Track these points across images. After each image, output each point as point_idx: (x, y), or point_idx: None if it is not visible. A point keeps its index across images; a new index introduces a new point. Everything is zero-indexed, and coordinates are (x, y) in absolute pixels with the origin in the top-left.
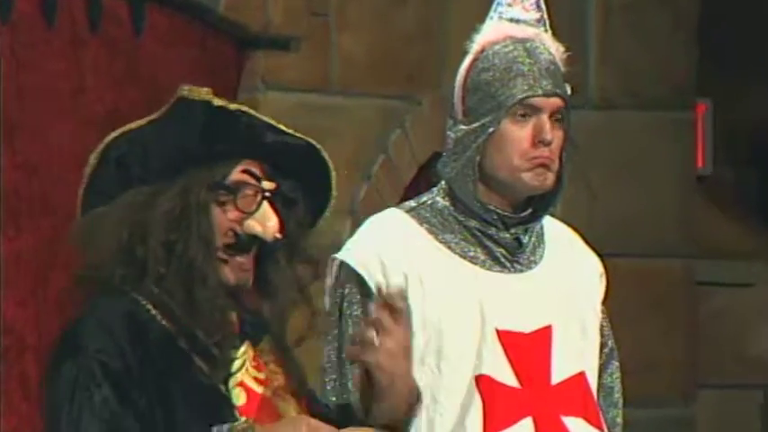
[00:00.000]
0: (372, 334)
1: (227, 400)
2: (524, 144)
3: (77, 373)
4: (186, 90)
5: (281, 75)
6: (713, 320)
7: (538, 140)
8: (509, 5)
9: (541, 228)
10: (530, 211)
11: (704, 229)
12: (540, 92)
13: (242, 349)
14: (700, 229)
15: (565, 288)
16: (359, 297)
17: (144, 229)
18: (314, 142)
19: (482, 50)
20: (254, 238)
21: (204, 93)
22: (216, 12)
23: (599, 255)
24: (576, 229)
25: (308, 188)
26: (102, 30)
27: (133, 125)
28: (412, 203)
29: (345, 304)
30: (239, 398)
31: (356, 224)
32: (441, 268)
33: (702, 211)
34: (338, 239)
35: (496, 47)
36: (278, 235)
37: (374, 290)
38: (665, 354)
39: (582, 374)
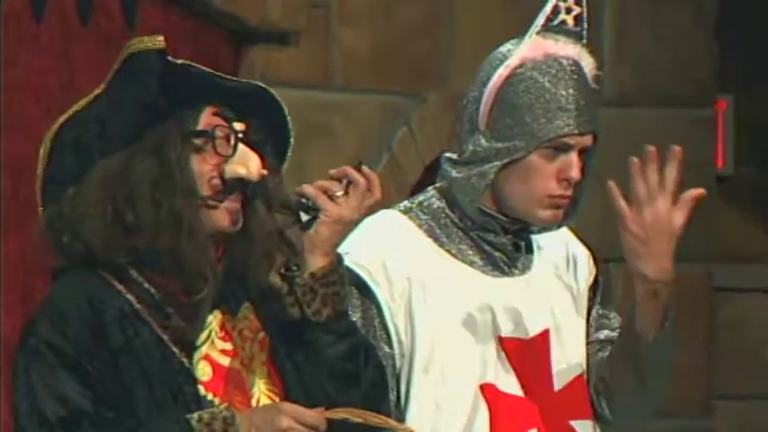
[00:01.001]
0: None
1: (191, 377)
2: (550, 180)
3: (30, 356)
4: (135, 43)
5: (280, 70)
6: (733, 328)
7: (563, 178)
8: (555, 14)
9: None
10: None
11: (724, 233)
12: (577, 131)
13: (209, 318)
14: (719, 232)
15: (559, 287)
16: (359, 302)
17: (128, 195)
18: (263, 84)
19: (520, 65)
20: (240, 180)
21: (152, 41)
22: (211, 5)
23: (613, 259)
24: (590, 232)
25: (267, 131)
26: (94, 24)
27: (78, 106)
28: (407, 204)
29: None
30: (204, 373)
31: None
32: (443, 273)
33: (722, 213)
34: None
35: (537, 67)
36: (264, 172)
37: (377, 293)
38: (683, 363)
39: (581, 377)
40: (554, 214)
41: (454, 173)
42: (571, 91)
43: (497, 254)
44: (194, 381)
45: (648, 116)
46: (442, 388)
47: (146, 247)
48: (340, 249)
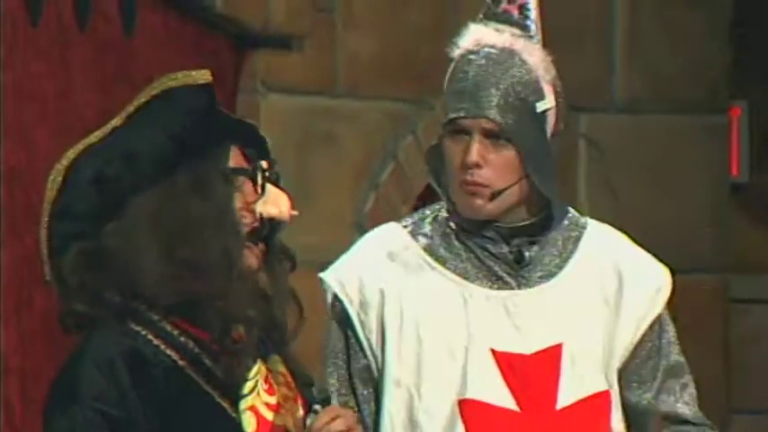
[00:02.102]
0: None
1: (237, 429)
2: (455, 165)
3: (74, 425)
4: (177, 77)
5: (283, 76)
6: (749, 340)
7: (462, 162)
8: (496, 2)
9: (575, 238)
10: (531, 220)
11: (739, 242)
12: (463, 113)
13: (254, 369)
14: (734, 241)
15: (591, 303)
16: (336, 317)
17: (181, 233)
18: (251, 122)
19: (459, 55)
20: (271, 220)
21: (201, 76)
22: (213, 8)
23: None
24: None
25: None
26: (91, 28)
27: (93, 137)
28: (414, 216)
29: (332, 334)
30: (249, 424)
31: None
32: (426, 286)
33: (737, 221)
34: (343, 252)
35: (464, 57)
36: (294, 213)
37: (348, 308)
38: (697, 376)
39: (604, 394)
40: (468, 203)
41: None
42: (475, 76)
43: (500, 265)
44: None
45: (661, 123)
46: (417, 403)
47: (194, 288)
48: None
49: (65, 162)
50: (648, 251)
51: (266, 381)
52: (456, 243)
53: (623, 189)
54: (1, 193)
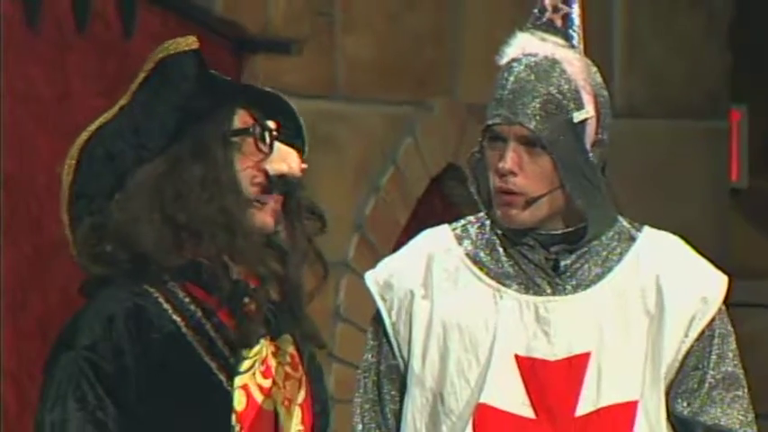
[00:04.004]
0: None
1: (227, 402)
2: (492, 172)
3: (68, 370)
4: (169, 45)
5: (282, 79)
6: (750, 346)
7: (497, 168)
8: (541, 13)
9: (622, 250)
10: (569, 229)
11: (739, 247)
12: (499, 120)
13: (256, 348)
14: (734, 246)
15: (629, 314)
16: (373, 320)
17: (177, 196)
18: (278, 92)
19: (506, 63)
20: (281, 177)
21: (186, 42)
22: (212, 12)
23: None
24: None
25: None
26: (90, 31)
27: (102, 119)
28: (467, 218)
29: (371, 327)
30: (239, 402)
31: (363, 239)
32: (460, 289)
33: (737, 227)
34: (343, 255)
35: (509, 65)
36: (304, 166)
37: (381, 309)
38: None
39: (629, 405)
40: (503, 212)
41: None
42: (512, 82)
43: (537, 272)
44: (230, 409)
45: (661, 128)
46: (440, 406)
47: (196, 251)
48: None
49: (80, 142)
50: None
51: (264, 362)
52: (498, 249)
53: (623, 193)
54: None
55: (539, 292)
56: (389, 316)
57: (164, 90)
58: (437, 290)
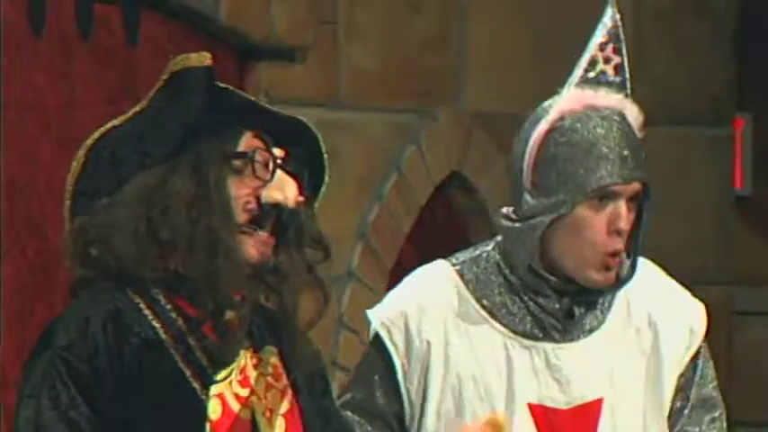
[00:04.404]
0: None
1: (201, 410)
2: (599, 233)
3: (43, 368)
4: (181, 59)
5: (286, 88)
6: (753, 352)
7: (613, 229)
8: (592, 65)
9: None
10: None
11: (744, 254)
12: (621, 180)
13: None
14: (739, 254)
15: (629, 356)
16: (379, 361)
17: (164, 210)
18: (302, 118)
19: (560, 119)
20: (276, 206)
21: (199, 58)
22: (216, 20)
23: None
24: None
25: (303, 163)
26: (94, 39)
27: (116, 121)
28: (466, 255)
29: (367, 366)
30: (214, 411)
31: (367, 248)
32: (472, 335)
33: (741, 234)
34: (347, 264)
35: (577, 118)
36: (300, 199)
37: (392, 355)
38: None
39: None
40: (606, 277)
41: (506, 228)
42: (613, 139)
43: (548, 319)
44: (205, 417)
45: (665, 135)
46: None
47: (180, 266)
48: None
49: (89, 142)
50: (652, 262)
51: (242, 371)
52: (505, 290)
53: None
54: (2, 204)
55: (548, 338)
56: (402, 365)
57: (173, 102)
58: (452, 340)
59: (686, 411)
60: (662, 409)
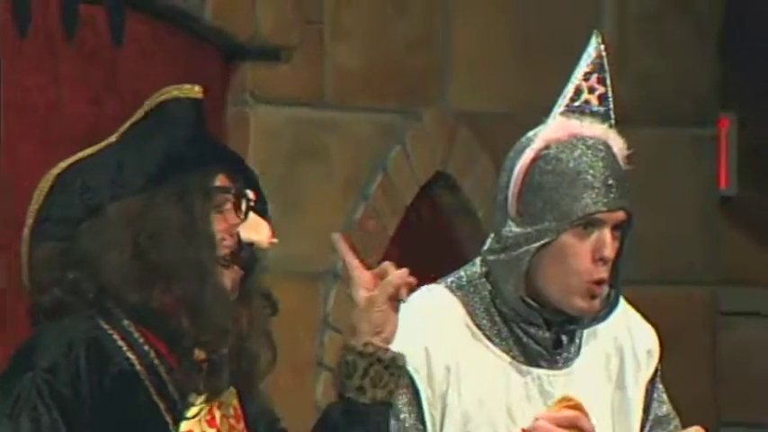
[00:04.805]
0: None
1: None
2: (584, 261)
3: (24, 389)
4: (171, 90)
5: (271, 87)
6: (738, 354)
7: (598, 257)
8: (577, 94)
9: None
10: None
11: (729, 255)
12: (606, 207)
13: (202, 397)
14: (723, 254)
15: (603, 381)
16: (407, 398)
17: (153, 234)
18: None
19: (546, 148)
20: (249, 246)
21: (191, 91)
22: (201, 20)
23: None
24: None
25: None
26: (79, 39)
27: (88, 151)
28: (458, 279)
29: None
30: None
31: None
32: (477, 360)
33: (727, 234)
34: (333, 264)
35: (562, 147)
36: (274, 241)
37: (417, 382)
38: (686, 389)
39: None
40: (591, 305)
41: (492, 259)
42: (598, 168)
43: (537, 348)
44: None
45: (649, 135)
46: None
47: (162, 294)
48: None
49: (54, 171)
50: (636, 264)
51: (210, 411)
52: (496, 317)
53: None
54: None
55: (537, 367)
56: (426, 392)
57: (157, 132)
58: (462, 365)
59: (647, 430)
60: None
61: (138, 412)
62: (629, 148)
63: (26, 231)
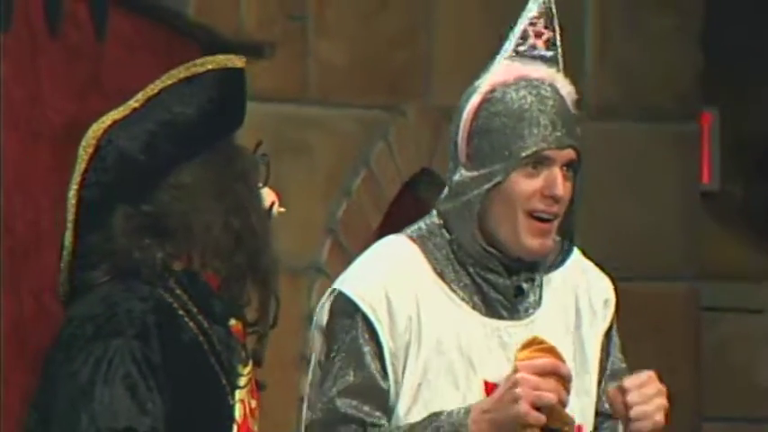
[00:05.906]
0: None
1: (231, 413)
2: (533, 198)
3: (117, 355)
4: (214, 59)
5: (255, 83)
6: (719, 349)
7: (548, 194)
8: (524, 39)
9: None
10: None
11: (710, 250)
12: (554, 144)
13: (248, 368)
14: (705, 249)
15: (563, 331)
16: (367, 341)
17: (236, 206)
18: None
19: (492, 91)
20: (268, 211)
21: (240, 60)
22: (184, 15)
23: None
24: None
25: None
26: (62, 34)
27: (116, 114)
28: (418, 230)
29: (347, 337)
30: (240, 414)
31: (335, 243)
32: (437, 309)
33: (708, 230)
34: (316, 259)
35: (508, 89)
36: (281, 209)
37: (379, 333)
38: (668, 384)
39: (579, 428)
40: (541, 244)
41: (445, 208)
42: (544, 107)
43: (497, 296)
44: (233, 420)
45: (632, 130)
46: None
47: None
48: (342, 277)
49: (92, 135)
50: (618, 260)
51: (251, 382)
52: (458, 267)
53: (593, 196)
54: None
55: (497, 315)
56: (388, 341)
57: (211, 98)
58: (422, 314)
59: (602, 384)
60: (588, 386)
61: (206, 381)
62: (610, 144)
63: (72, 196)
